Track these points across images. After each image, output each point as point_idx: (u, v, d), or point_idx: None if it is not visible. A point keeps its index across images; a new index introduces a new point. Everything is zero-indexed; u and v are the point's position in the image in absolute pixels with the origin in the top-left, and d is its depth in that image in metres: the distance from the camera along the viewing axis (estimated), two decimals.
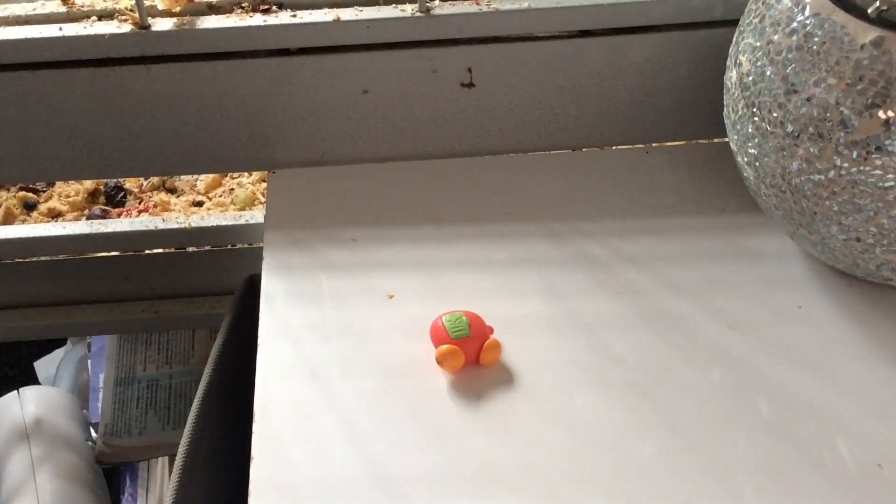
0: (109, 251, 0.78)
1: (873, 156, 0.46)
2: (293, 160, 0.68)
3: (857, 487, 0.47)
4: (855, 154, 0.47)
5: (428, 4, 0.62)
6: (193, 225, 0.75)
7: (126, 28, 0.61)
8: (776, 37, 0.49)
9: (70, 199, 0.94)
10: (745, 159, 0.54)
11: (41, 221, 0.92)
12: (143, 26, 0.61)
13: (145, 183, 0.96)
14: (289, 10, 0.62)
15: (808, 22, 0.47)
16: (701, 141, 0.71)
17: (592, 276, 0.58)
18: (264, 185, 0.92)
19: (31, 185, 0.95)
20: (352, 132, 0.67)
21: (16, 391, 0.88)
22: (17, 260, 0.78)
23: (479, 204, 0.64)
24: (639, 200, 0.64)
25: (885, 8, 0.45)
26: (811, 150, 0.48)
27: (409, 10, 0.62)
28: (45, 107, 0.64)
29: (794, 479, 0.47)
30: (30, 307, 0.81)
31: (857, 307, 0.56)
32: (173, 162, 0.68)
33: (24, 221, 0.92)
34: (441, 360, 0.51)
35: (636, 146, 0.71)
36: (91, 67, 0.62)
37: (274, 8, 0.62)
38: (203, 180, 0.95)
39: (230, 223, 0.76)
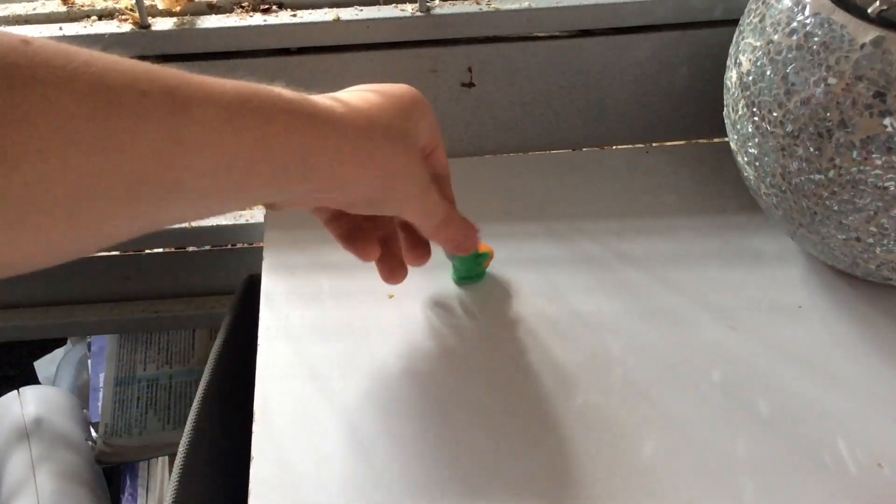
0: (109, 251, 0.78)
1: (873, 156, 0.46)
2: None
3: (857, 487, 0.47)
4: (855, 154, 0.47)
5: (428, 4, 0.62)
6: (193, 224, 0.75)
7: (126, 28, 0.61)
8: (776, 36, 0.49)
9: None
10: (745, 159, 0.54)
11: None
12: (143, 26, 0.61)
13: None
14: (289, 9, 0.62)
15: (808, 22, 0.47)
16: (701, 141, 0.71)
17: (592, 275, 0.58)
18: None
19: None
20: None
21: (16, 391, 0.88)
22: None
23: (479, 204, 0.64)
24: (639, 200, 0.64)
25: (885, 8, 0.45)
26: (811, 150, 0.48)
27: (409, 9, 0.62)
28: None
29: (794, 479, 0.47)
30: (30, 307, 0.81)
31: (857, 307, 0.56)
32: None
33: None
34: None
35: (636, 146, 0.71)
36: None
37: (274, 8, 0.62)
38: None
39: (230, 223, 0.76)
